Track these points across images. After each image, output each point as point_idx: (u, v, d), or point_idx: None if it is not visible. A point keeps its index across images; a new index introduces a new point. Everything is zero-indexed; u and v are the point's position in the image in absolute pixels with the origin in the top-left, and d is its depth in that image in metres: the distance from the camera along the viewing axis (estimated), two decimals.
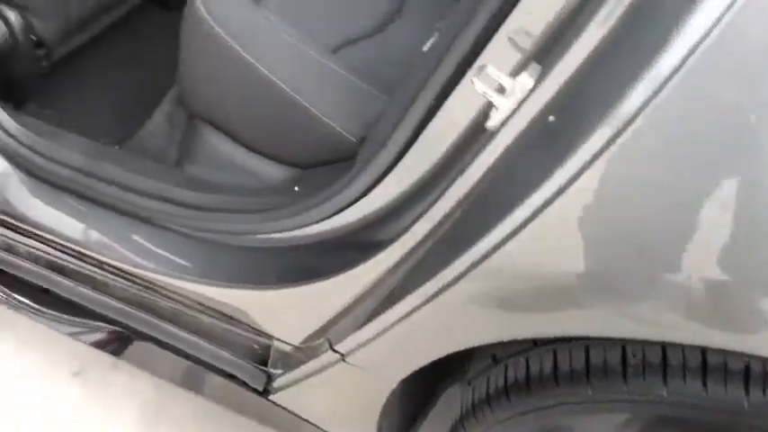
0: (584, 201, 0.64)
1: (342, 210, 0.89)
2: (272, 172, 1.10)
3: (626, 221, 0.64)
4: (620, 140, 0.61)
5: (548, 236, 0.66)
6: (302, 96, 1.01)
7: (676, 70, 0.58)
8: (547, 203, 0.64)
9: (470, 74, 0.69)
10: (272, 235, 0.97)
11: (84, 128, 1.38)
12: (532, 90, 0.64)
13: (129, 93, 1.43)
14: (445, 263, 0.72)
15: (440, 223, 0.74)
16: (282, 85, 1.02)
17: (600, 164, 0.62)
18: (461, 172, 0.70)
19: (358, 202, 0.87)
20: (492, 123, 0.66)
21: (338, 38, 1.16)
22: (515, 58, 0.66)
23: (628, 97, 0.60)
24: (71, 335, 1.30)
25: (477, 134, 0.70)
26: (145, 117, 1.34)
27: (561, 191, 0.63)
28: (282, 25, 1.11)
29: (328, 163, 1.05)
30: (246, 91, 1.06)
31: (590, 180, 0.63)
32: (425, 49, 0.90)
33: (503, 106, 0.65)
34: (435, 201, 0.73)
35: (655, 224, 0.63)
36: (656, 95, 0.59)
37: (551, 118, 0.65)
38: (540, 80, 0.64)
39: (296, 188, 1.03)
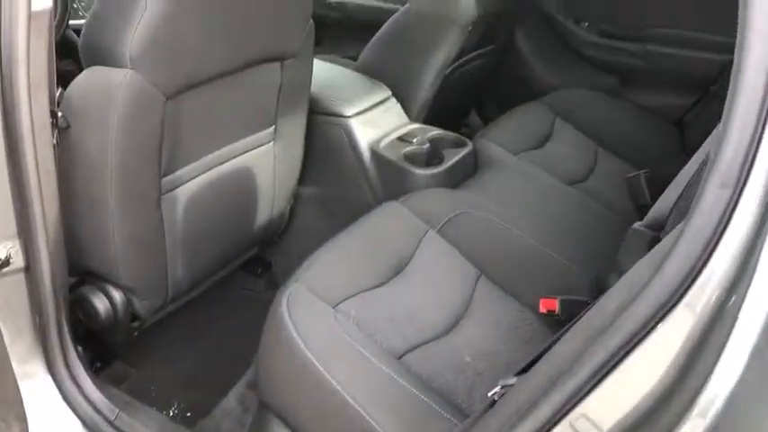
0: None
1: None
2: None
3: None
4: None
5: None
6: (367, 413, 1.06)
7: None
8: None
9: None
10: None
11: (164, 392, 1.47)
12: None
13: (208, 364, 1.54)
14: None
15: None
16: (349, 399, 1.08)
17: None
18: None
19: None
20: None
21: (405, 344, 1.24)
22: None
23: None
24: None
25: None
26: (221, 394, 1.42)
27: None
28: (355, 333, 1.20)
29: None
30: (314, 398, 1.13)
31: None
32: (490, 394, 0.96)
33: None
34: None
35: None
36: None
37: None
38: None
39: None
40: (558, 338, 0.84)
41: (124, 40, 1.14)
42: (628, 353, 0.67)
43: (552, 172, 1.87)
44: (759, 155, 0.60)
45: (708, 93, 2.16)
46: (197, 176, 1.42)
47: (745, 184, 0.60)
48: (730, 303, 0.63)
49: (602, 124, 2.13)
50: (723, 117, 0.63)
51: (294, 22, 1.46)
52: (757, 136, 0.60)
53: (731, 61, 2.10)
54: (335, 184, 1.83)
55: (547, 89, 2.33)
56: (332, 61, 2.14)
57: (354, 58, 2.17)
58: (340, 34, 2.66)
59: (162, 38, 1.16)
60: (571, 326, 0.83)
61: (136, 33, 1.13)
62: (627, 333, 0.66)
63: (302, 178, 1.78)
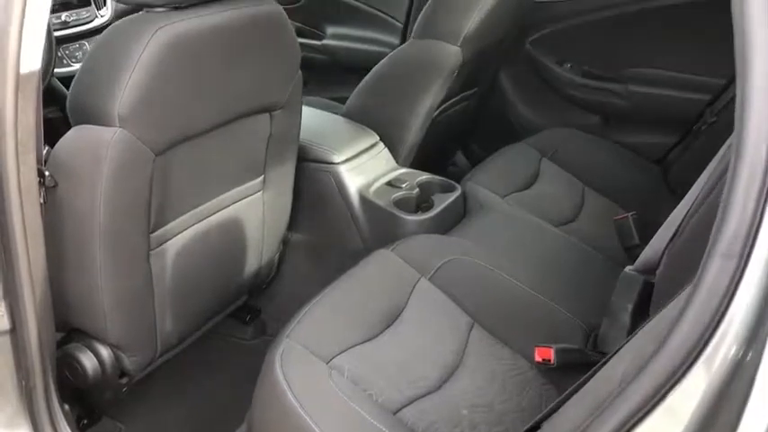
0: None
1: None
2: None
3: None
4: None
5: None
6: None
7: None
8: None
9: None
10: None
11: None
12: None
13: (199, 418, 1.50)
14: None
15: None
16: None
17: None
18: None
19: None
20: None
21: (401, 398, 1.22)
22: None
23: None
24: None
25: None
26: None
27: None
28: (350, 390, 1.18)
29: None
30: None
31: None
32: None
33: None
34: None
35: None
36: None
37: None
38: None
39: None
40: (564, 401, 0.83)
41: (113, 99, 1.13)
42: (636, 424, 0.66)
43: (541, 213, 1.88)
44: (763, 224, 0.60)
45: (690, 132, 2.19)
46: (186, 230, 1.40)
47: (750, 254, 0.60)
48: (744, 365, 0.62)
49: (588, 163, 2.15)
50: (726, 188, 0.63)
51: (283, 74, 1.46)
52: (761, 205, 0.60)
53: (713, 101, 2.11)
54: (325, 230, 1.82)
55: (531, 129, 2.35)
56: (317, 103, 2.15)
57: (340, 100, 2.18)
58: (326, 76, 2.68)
59: (151, 96, 1.16)
60: (573, 392, 0.82)
61: (125, 92, 1.13)
62: (635, 404, 0.65)
63: (292, 225, 1.77)
